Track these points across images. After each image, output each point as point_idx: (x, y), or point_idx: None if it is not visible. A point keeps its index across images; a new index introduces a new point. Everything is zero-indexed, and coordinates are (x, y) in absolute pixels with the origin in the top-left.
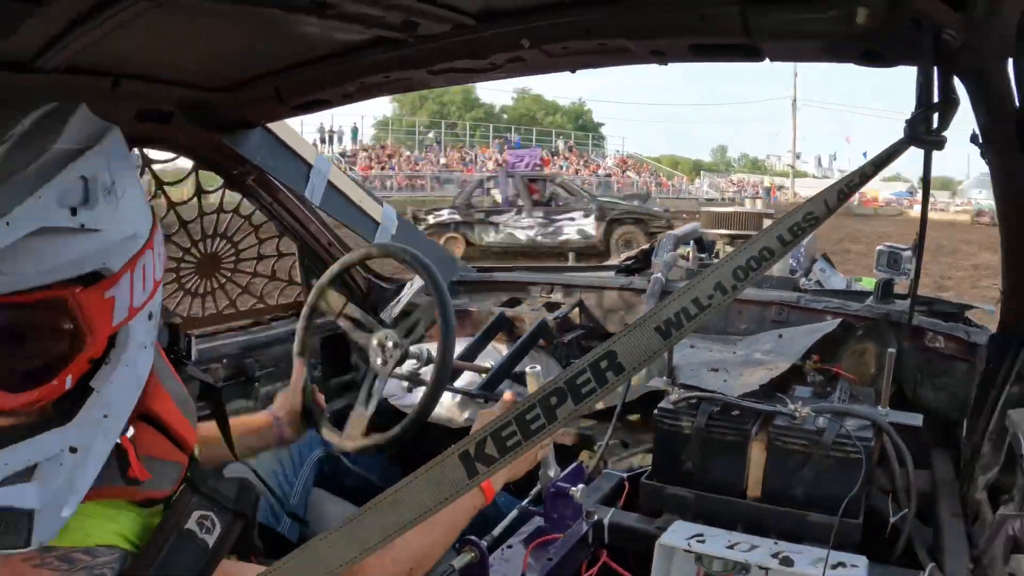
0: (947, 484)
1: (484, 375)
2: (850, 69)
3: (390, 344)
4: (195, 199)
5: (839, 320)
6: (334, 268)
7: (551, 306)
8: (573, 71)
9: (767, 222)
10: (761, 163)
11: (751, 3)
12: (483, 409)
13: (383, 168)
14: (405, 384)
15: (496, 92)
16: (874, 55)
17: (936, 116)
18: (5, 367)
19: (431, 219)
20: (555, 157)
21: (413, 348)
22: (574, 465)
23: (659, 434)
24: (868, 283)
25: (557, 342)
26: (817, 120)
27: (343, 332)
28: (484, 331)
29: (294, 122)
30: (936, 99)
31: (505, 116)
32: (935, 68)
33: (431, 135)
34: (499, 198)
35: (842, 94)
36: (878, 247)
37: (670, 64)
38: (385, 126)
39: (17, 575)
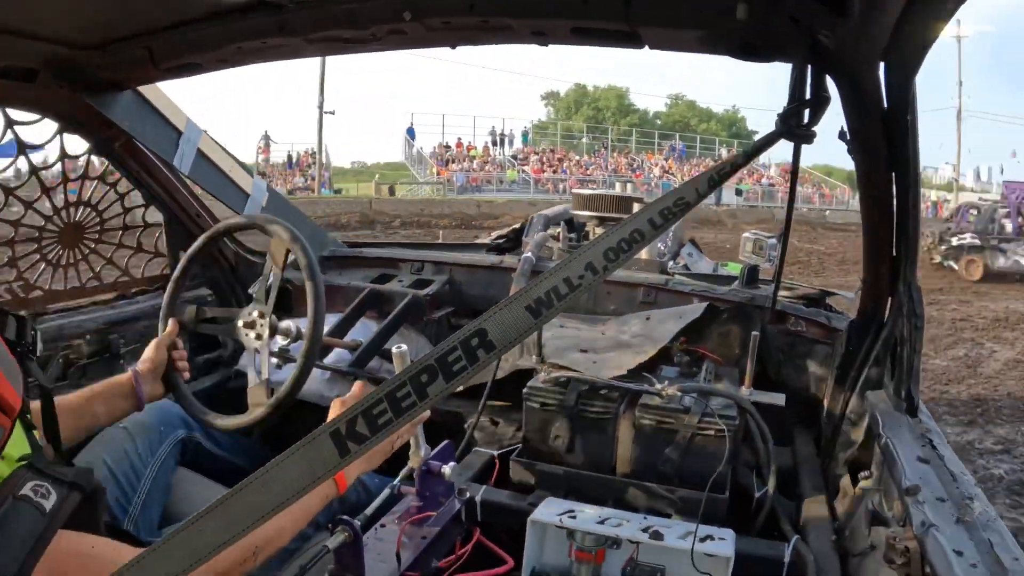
0: (809, 460)
1: (354, 351)
2: (1017, 82)
3: (256, 314)
4: (58, 164)
5: (706, 304)
6: (201, 239)
7: (421, 283)
8: (453, 47)
9: (637, 206)
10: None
11: None
12: (337, 397)
13: (555, 172)
14: (274, 361)
15: (650, 98)
16: (751, 49)
17: (808, 112)
18: None
19: (954, 241)
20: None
21: (282, 324)
22: (444, 443)
23: (528, 412)
24: (734, 268)
25: (427, 319)
26: (983, 132)
27: (209, 310)
28: (354, 307)
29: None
30: (808, 95)
31: (659, 122)
32: (809, 66)
33: (585, 139)
34: (1009, 226)
35: (1013, 107)
36: (744, 234)
37: (550, 46)
38: (543, 129)
39: None
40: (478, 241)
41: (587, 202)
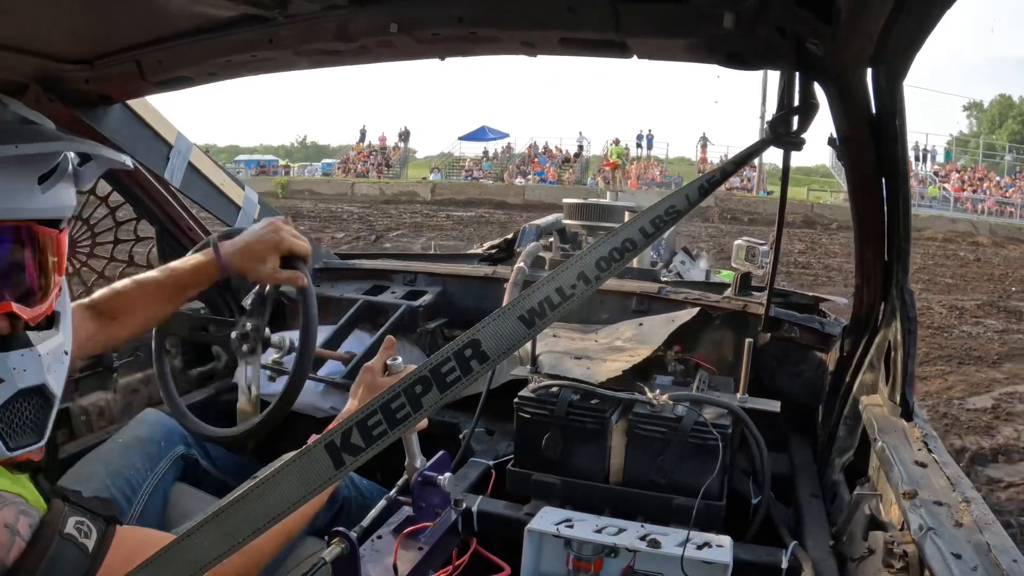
0: (805, 467)
1: (347, 363)
2: None
3: (249, 327)
4: None
5: (698, 308)
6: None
7: (414, 294)
8: (442, 59)
9: (629, 215)
10: None
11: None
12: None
13: (974, 191)
14: (267, 373)
15: None
16: (738, 58)
17: (796, 119)
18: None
19: None
20: None
21: (275, 337)
22: (440, 454)
23: (520, 422)
24: (727, 276)
25: (421, 330)
26: None
27: (203, 321)
28: (347, 319)
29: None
30: (797, 103)
31: None
32: (797, 73)
33: (1008, 157)
34: None
35: None
36: (736, 242)
37: (539, 56)
38: (964, 144)
39: None
40: (471, 252)
41: (578, 211)
